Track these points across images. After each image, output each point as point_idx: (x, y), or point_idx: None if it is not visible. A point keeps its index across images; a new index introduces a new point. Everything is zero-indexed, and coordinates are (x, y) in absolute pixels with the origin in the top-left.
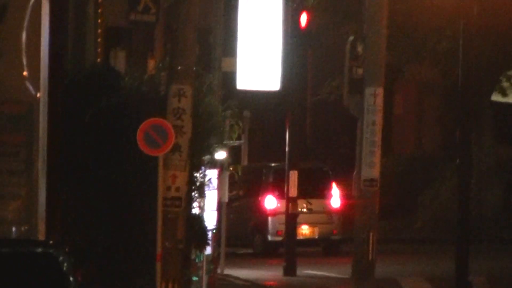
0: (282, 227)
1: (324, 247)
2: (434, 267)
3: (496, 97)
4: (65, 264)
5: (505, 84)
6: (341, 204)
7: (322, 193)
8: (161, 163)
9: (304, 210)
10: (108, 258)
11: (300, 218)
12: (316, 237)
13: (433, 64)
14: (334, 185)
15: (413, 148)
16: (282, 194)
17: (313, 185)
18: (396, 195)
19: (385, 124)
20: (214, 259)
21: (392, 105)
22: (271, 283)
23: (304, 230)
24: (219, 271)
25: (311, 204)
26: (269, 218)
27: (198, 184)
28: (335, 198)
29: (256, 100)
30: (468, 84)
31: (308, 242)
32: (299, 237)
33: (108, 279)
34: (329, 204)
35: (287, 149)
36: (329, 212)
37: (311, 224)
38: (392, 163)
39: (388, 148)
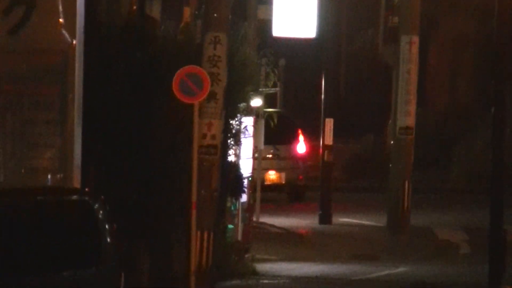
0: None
1: (289, 193)
2: (468, 217)
3: None
4: (101, 212)
5: None
6: (306, 151)
7: (288, 139)
8: (196, 111)
9: (270, 156)
10: (142, 209)
11: (267, 164)
12: (283, 182)
13: (468, 16)
14: (299, 132)
15: (448, 100)
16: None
17: (280, 132)
18: (430, 146)
19: (420, 76)
20: (249, 207)
21: (427, 56)
22: (306, 231)
23: (272, 175)
24: (254, 219)
25: (278, 150)
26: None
27: (233, 131)
28: (301, 144)
29: (292, 48)
30: (503, 35)
31: (275, 187)
32: (267, 182)
33: (143, 228)
34: (295, 150)
35: (322, 97)
36: (295, 158)
37: (278, 169)
38: (427, 114)
39: (422, 99)
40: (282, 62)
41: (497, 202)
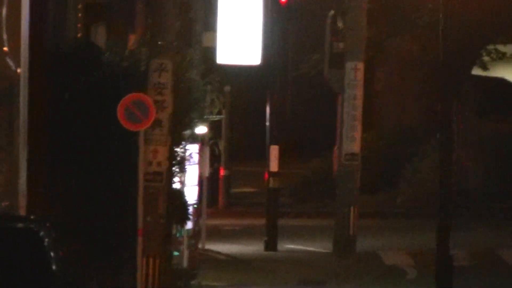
0: None
1: None
2: (415, 241)
3: (477, 71)
4: (47, 240)
5: (486, 58)
6: None
7: None
8: (142, 138)
9: None
10: (89, 234)
11: None
12: None
13: (414, 38)
14: None
15: (395, 123)
16: None
17: None
18: (377, 170)
19: (366, 100)
20: (195, 234)
21: (373, 79)
22: (252, 258)
23: None
24: (200, 246)
25: None
26: None
27: (179, 159)
28: None
29: (237, 75)
30: (448, 58)
31: None
32: None
33: (89, 254)
34: None
35: (267, 123)
36: None
37: None
38: (374, 138)
39: (369, 123)
40: (227, 88)
41: (443, 227)
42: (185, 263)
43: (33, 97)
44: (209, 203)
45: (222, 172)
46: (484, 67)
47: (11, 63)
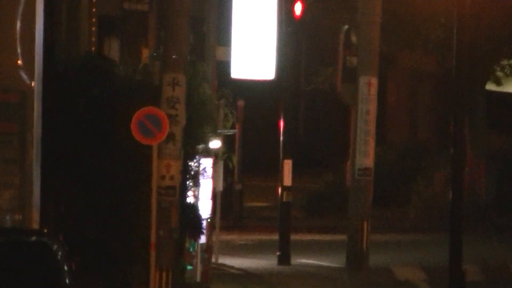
0: None
1: None
2: (428, 256)
3: (490, 86)
4: (59, 253)
5: (499, 73)
6: None
7: None
8: (155, 152)
9: None
10: (102, 247)
11: None
12: None
13: (426, 53)
14: None
15: (407, 137)
16: None
17: None
18: (390, 184)
19: (379, 113)
20: (208, 248)
21: (386, 94)
22: (265, 272)
23: None
24: (213, 260)
25: None
26: None
27: (192, 173)
28: None
29: (251, 89)
30: (461, 73)
31: None
32: None
33: (101, 268)
34: None
35: (281, 138)
36: None
37: None
38: (386, 152)
39: (382, 137)
40: (240, 102)
41: (456, 241)
42: (198, 277)
43: (46, 110)
44: (222, 217)
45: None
46: (498, 82)
47: (24, 76)
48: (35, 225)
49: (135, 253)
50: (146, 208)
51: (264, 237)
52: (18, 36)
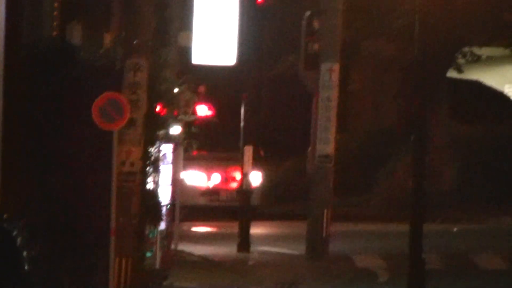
0: None
1: None
2: (388, 244)
3: (452, 74)
4: (19, 239)
5: (461, 61)
6: None
7: None
8: (115, 137)
9: None
10: (62, 233)
11: None
12: None
13: (389, 41)
14: None
15: (369, 124)
16: None
17: None
18: (351, 172)
19: (341, 100)
20: (168, 235)
21: (349, 81)
22: (225, 259)
23: None
24: (173, 246)
25: None
26: None
27: (152, 159)
28: None
29: (213, 75)
30: (424, 60)
31: None
32: None
33: (62, 254)
34: None
35: (241, 124)
36: None
37: None
38: (348, 139)
39: (343, 124)
40: (201, 88)
41: (416, 230)
42: (157, 264)
43: (7, 95)
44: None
45: None
46: (459, 70)
47: None
48: None
49: (98, 240)
50: (107, 194)
51: (225, 223)
52: None
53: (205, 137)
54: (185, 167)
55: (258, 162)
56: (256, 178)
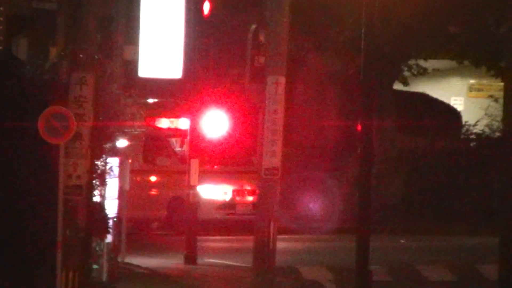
0: None
1: None
2: (335, 256)
3: (398, 86)
4: None
5: (407, 73)
6: None
7: None
8: (62, 151)
9: None
10: (8, 247)
11: None
12: None
13: (335, 54)
14: None
15: (316, 137)
16: None
17: None
18: (298, 186)
19: (287, 114)
20: (115, 247)
21: (294, 94)
22: (172, 272)
23: None
24: (120, 259)
25: None
26: None
27: (99, 172)
28: None
29: (160, 88)
30: (369, 73)
31: None
32: None
33: (6, 267)
34: None
35: (188, 137)
36: None
37: None
38: (294, 153)
39: (289, 137)
40: (149, 102)
41: (363, 241)
42: (104, 276)
43: None
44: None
45: None
46: (405, 83)
47: None
48: None
49: (42, 253)
50: (54, 208)
51: (172, 236)
52: None
53: (218, 151)
54: (200, 181)
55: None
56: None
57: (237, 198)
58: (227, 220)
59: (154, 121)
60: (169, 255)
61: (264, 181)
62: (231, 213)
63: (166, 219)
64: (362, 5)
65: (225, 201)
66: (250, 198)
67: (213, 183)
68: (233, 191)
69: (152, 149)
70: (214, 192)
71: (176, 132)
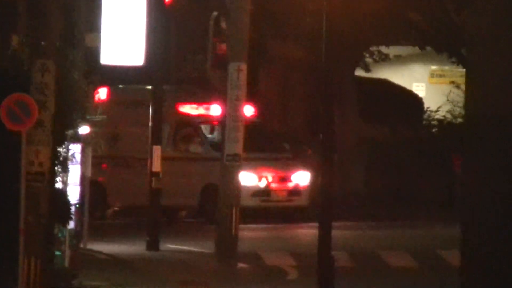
0: None
1: None
2: (297, 242)
3: (359, 73)
4: None
5: (368, 60)
6: None
7: None
8: (24, 138)
9: None
10: None
11: None
12: None
13: (297, 41)
14: None
15: (278, 124)
16: None
17: None
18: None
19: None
20: (77, 234)
21: (257, 82)
22: (133, 258)
23: None
24: (82, 245)
25: None
26: None
27: (61, 159)
28: None
29: (122, 74)
30: (331, 60)
31: None
32: None
33: None
34: None
35: (150, 124)
36: None
37: None
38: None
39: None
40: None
41: (325, 228)
42: (67, 263)
43: None
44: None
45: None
46: (367, 69)
47: None
48: None
49: (5, 240)
50: (16, 194)
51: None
52: None
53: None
54: None
55: (306, 162)
56: (304, 178)
57: (272, 185)
58: (261, 207)
59: (185, 108)
60: (131, 241)
61: (226, 167)
62: (265, 200)
63: (198, 207)
64: None
65: (260, 188)
66: (285, 185)
67: (247, 170)
68: (267, 177)
69: (183, 135)
70: (248, 179)
71: (208, 119)
